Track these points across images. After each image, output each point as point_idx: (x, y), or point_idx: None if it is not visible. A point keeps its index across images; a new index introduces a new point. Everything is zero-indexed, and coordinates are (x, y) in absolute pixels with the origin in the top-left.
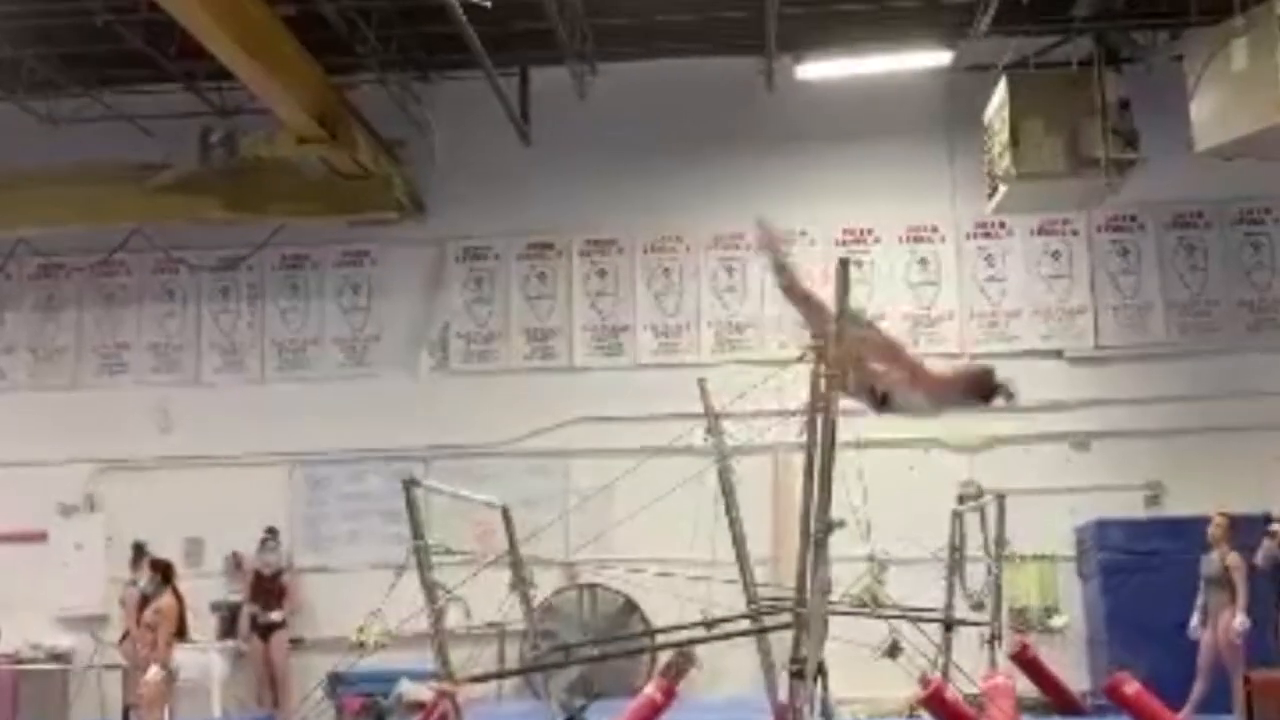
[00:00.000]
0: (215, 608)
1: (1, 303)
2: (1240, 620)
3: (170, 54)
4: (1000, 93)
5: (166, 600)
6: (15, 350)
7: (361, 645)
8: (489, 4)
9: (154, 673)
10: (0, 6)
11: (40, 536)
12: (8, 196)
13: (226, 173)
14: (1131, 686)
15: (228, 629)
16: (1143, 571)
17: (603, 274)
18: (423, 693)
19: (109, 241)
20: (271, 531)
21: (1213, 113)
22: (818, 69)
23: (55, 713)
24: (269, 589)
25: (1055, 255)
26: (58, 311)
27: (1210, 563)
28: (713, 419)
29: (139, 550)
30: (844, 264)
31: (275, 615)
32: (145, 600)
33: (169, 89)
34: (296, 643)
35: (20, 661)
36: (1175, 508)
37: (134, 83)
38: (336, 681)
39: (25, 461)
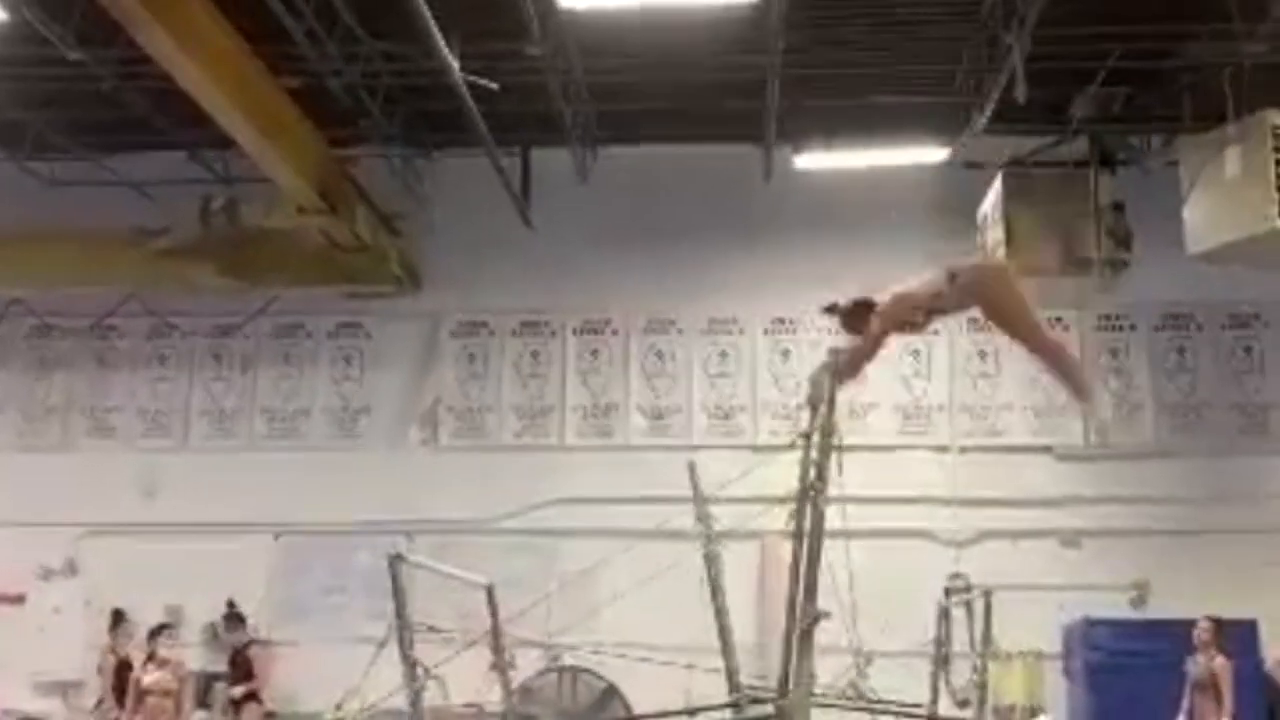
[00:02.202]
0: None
1: None
2: None
3: (175, 121)
4: (996, 189)
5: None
6: (5, 410)
7: None
8: (496, 86)
9: None
10: (7, 69)
11: (18, 599)
12: (5, 255)
13: (224, 240)
14: None
15: (202, 700)
16: (1129, 672)
17: (595, 354)
18: None
19: (104, 304)
20: (231, 605)
21: (1205, 217)
22: (815, 160)
23: None
24: (234, 662)
25: None
26: (49, 372)
27: (1197, 665)
28: (701, 503)
29: (118, 616)
30: (835, 354)
31: (236, 691)
32: (123, 665)
33: (171, 156)
34: (271, 716)
35: None
36: (1162, 608)
37: (137, 148)
38: None
39: (9, 523)
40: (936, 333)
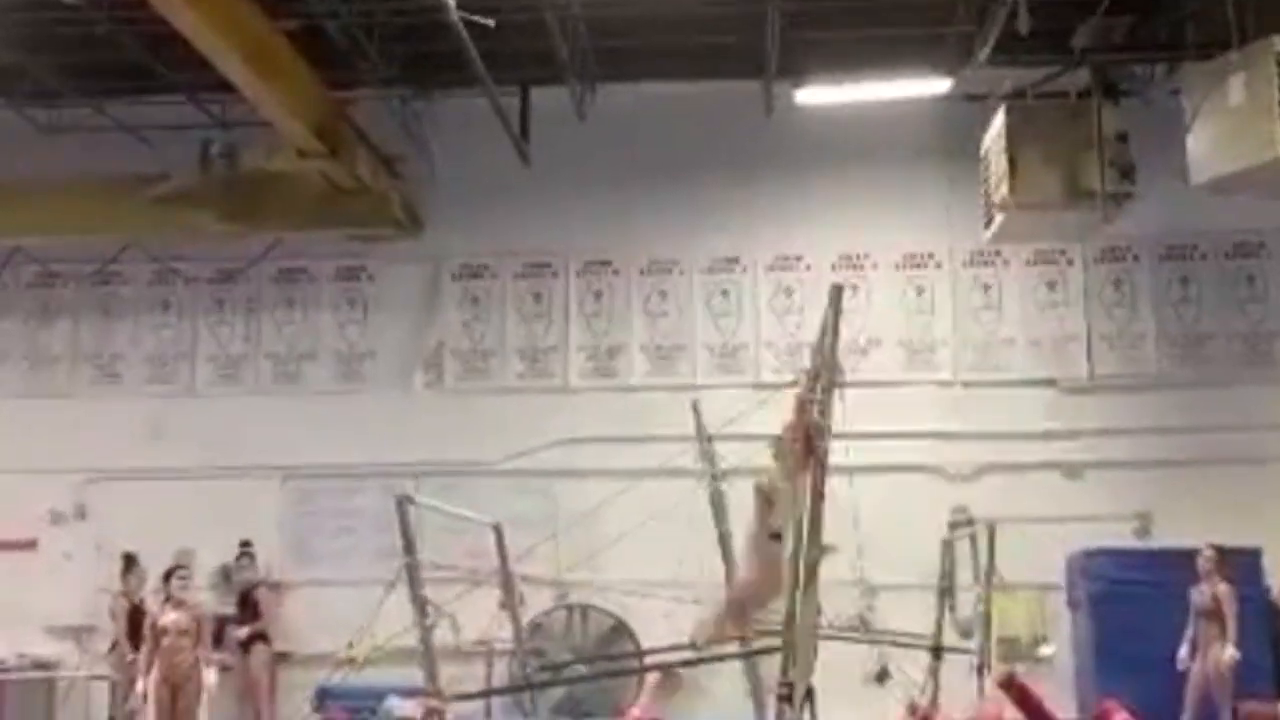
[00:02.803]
0: None
1: None
2: (1231, 653)
3: (172, 65)
4: (999, 122)
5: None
6: (10, 358)
7: (351, 661)
8: (492, 23)
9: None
10: (2, 14)
11: (29, 545)
12: (5, 204)
13: (225, 185)
14: (1120, 715)
15: (215, 641)
16: (1132, 602)
17: (598, 295)
18: (411, 710)
19: (106, 251)
20: (246, 545)
21: (1209, 147)
22: (817, 94)
23: None
24: (243, 603)
25: (1050, 285)
26: (53, 320)
27: (1201, 594)
28: (704, 441)
29: (129, 560)
30: (837, 290)
31: (242, 631)
32: (135, 609)
33: (170, 100)
34: (283, 657)
35: (4, 671)
36: (1165, 538)
37: (135, 94)
38: (324, 696)
39: (16, 469)
40: (939, 266)
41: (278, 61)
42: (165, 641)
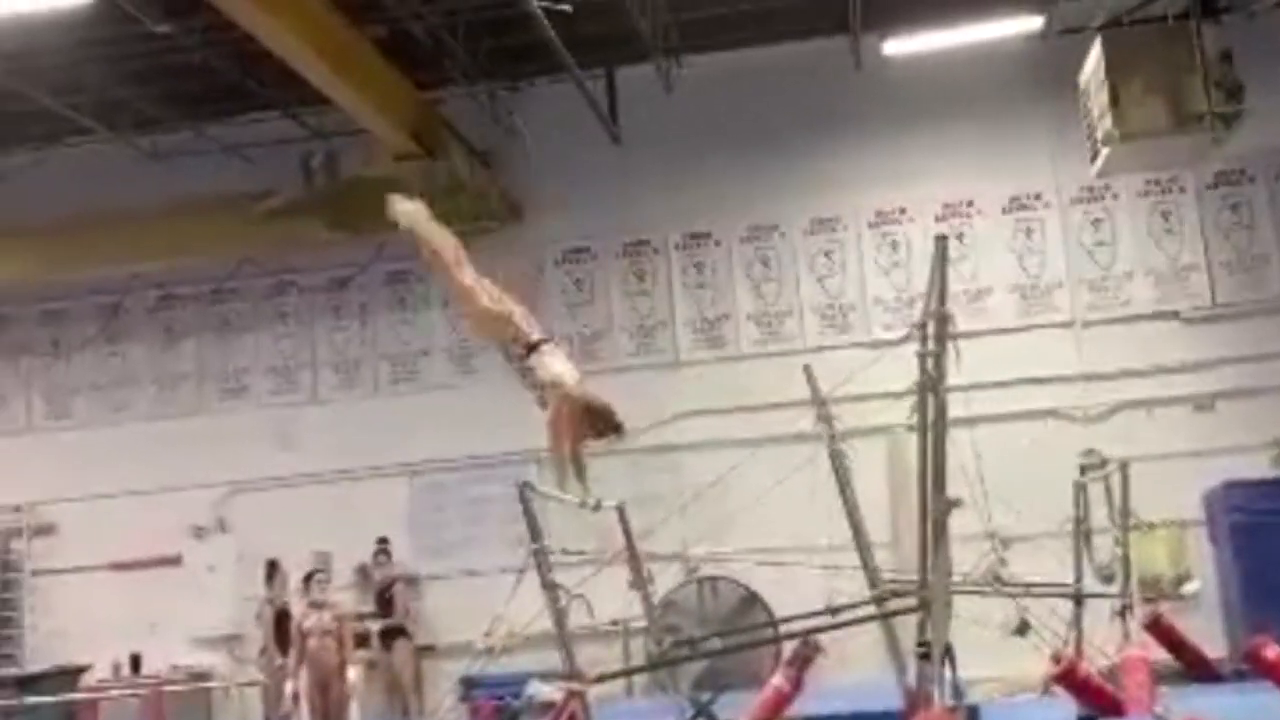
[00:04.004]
0: None
1: (123, 335)
2: None
3: (266, 83)
4: (1095, 53)
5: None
6: (139, 382)
7: (490, 650)
8: (569, 8)
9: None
10: (100, 49)
11: (175, 560)
12: (120, 233)
13: (328, 195)
14: (1272, 650)
15: (359, 640)
16: (1275, 532)
17: (700, 267)
18: (552, 693)
19: (221, 270)
20: (383, 542)
21: None
22: (905, 44)
23: None
24: (382, 599)
25: (1164, 215)
26: (176, 341)
27: None
28: (820, 404)
29: (273, 566)
30: (942, 239)
31: (375, 625)
32: (280, 614)
33: (267, 117)
34: (426, 650)
35: (163, 683)
36: None
37: (232, 114)
38: (468, 685)
39: (156, 488)
40: (1048, 206)
41: (367, 68)
42: (311, 643)
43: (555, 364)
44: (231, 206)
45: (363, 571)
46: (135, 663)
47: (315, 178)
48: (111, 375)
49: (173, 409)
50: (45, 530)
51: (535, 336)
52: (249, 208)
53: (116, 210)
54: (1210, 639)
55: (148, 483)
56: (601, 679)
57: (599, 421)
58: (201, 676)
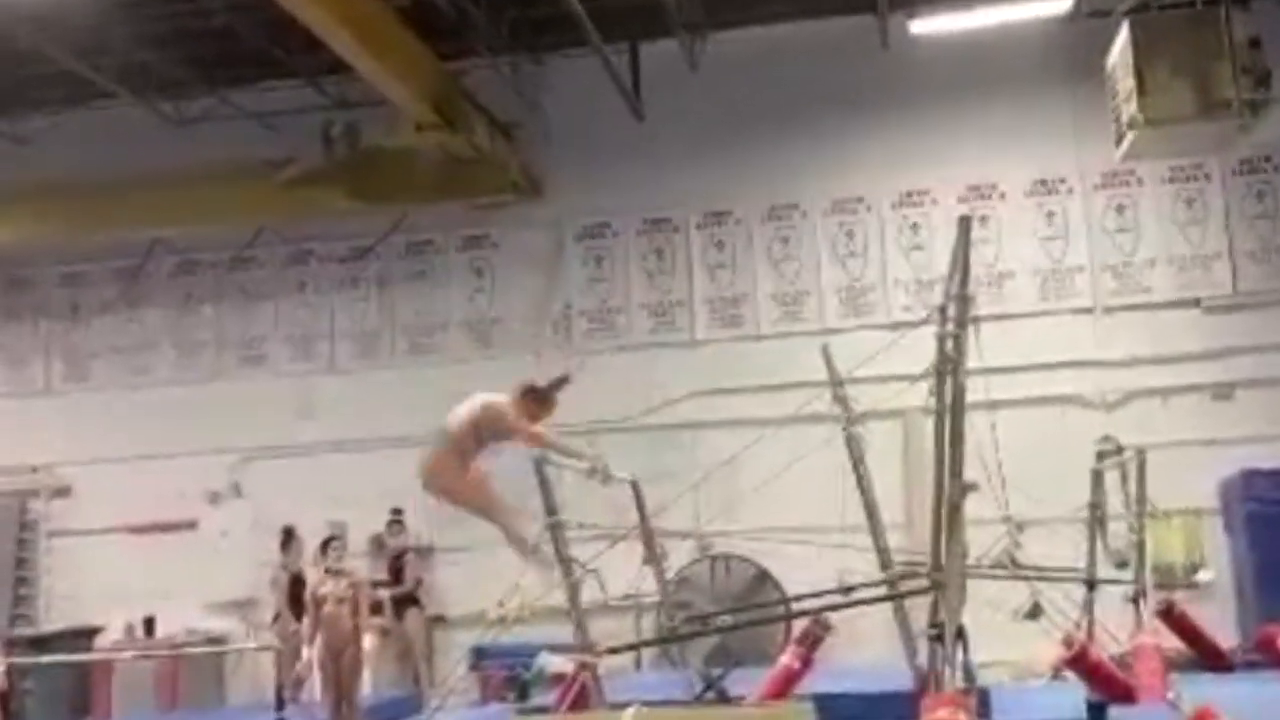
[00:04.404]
0: None
1: (142, 300)
2: None
3: (289, 50)
4: (1123, 37)
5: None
6: (158, 347)
7: (502, 620)
8: None
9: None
10: (124, 12)
11: (190, 525)
12: (142, 198)
13: (349, 165)
14: None
15: (372, 609)
16: None
17: (720, 246)
18: (564, 665)
19: (241, 237)
20: (397, 513)
21: None
22: (932, 24)
23: (213, 695)
24: (395, 569)
25: (1189, 202)
26: (196, 307)
27: None
28: (838, 385)
29: (288, 534)
30: (965, 222)
31: (384, 593)
32: (295, 581)
33: (290, 85)
34: (438, 620)
35: (177, 647)
36: None
37: (255, 81)
38: (480, 656)
39: (173, 453)
40: (1071, 191)
41: (390, 37)
42: (325, 610)
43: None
44: (252, 174)
45: (377, 541)
46: (149, 626)
47: (335, 147)
48: (130, 339)
49: (191, 375)
50: (62, 492)
51: None
52: (269, 175)
53: (137, 174)
54: (1223, 628)
55: (165, 447)
56: (613, 651)
57: (541, 397)
58: (215, 641)
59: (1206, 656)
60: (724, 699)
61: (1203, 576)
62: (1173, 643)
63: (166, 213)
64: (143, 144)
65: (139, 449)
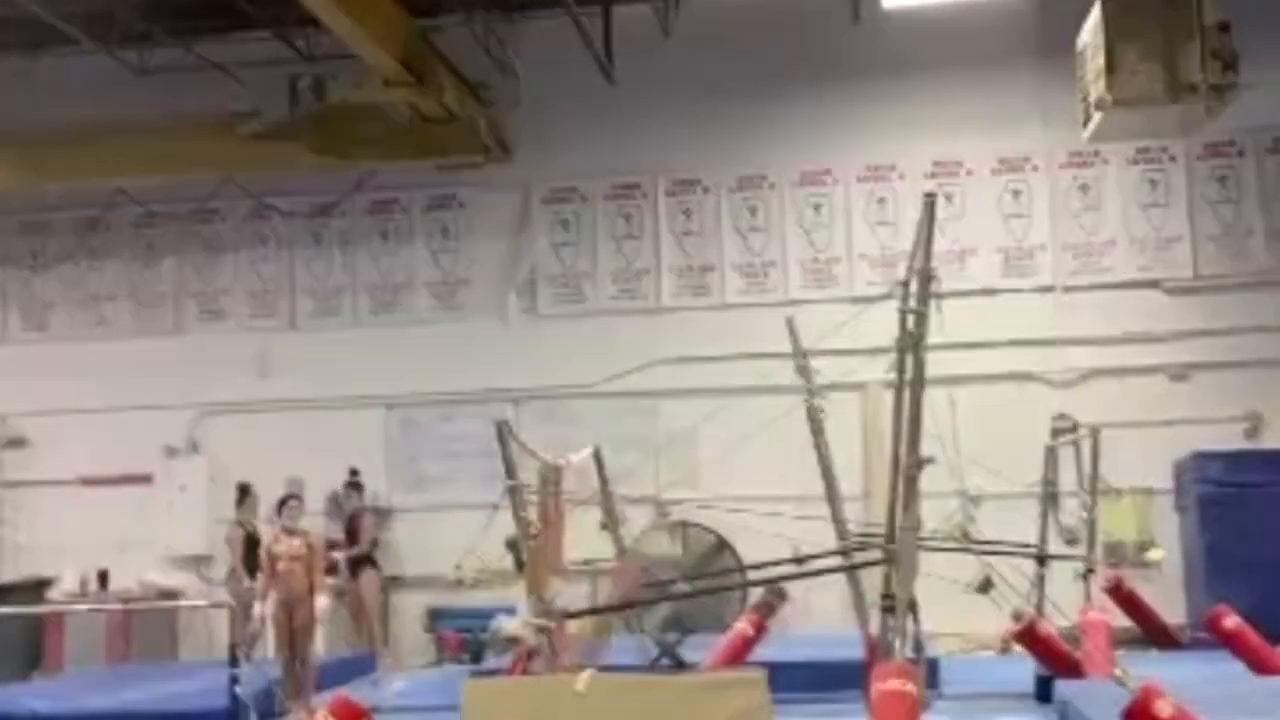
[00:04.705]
0: None
1: (102, 251)
2: None
3: (257, 2)
4: (1094, 17)
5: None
6: (117, 298)
7: (460, 583)
8: None
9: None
10: None
11: (146, 478)
12: (104, 147)
13: (315, 119)
14: (1231, 620)
15: (327, 568)
16: (1242, 504)
17: (689, 214)
18: (518, 628)
19: (203, 190)
20: (354, 473)
21: None
22: None
23: (165, 650)
24: (352, 529)
25: (1152, 184)
26: (157, 260)
27: None
28: (801, 357)
29: (244, 490)
30: (930, 198)
31: (338, 554)
32: (250, 538)
33: (257, 37)
34: (394, 580)
35: (129, 601)
36: (1275, 440)
37: (222, 32)
38: (435, 617)
39: (130, 405)
40: (1036, 169)
41: None
42: (280, 568)
43: None
44: (217, 126)
45: (334, 500)
46: (103, 578)
47: (302, 101)
48: (90, 290)
49: (150, 327)
50: (17, 443)
51: None
52: (234, 128)
53: (101, 123)
54: (1170, 607)
55: (122, 400)
56: (569, 616)
57: None
58: (169, 595)
59: (1154, 634)
60: (679, 665)
61: (1152, 556)
62: (1121, 620)
63: (128, 163)
64: (106, 93)
65: (96, 401)
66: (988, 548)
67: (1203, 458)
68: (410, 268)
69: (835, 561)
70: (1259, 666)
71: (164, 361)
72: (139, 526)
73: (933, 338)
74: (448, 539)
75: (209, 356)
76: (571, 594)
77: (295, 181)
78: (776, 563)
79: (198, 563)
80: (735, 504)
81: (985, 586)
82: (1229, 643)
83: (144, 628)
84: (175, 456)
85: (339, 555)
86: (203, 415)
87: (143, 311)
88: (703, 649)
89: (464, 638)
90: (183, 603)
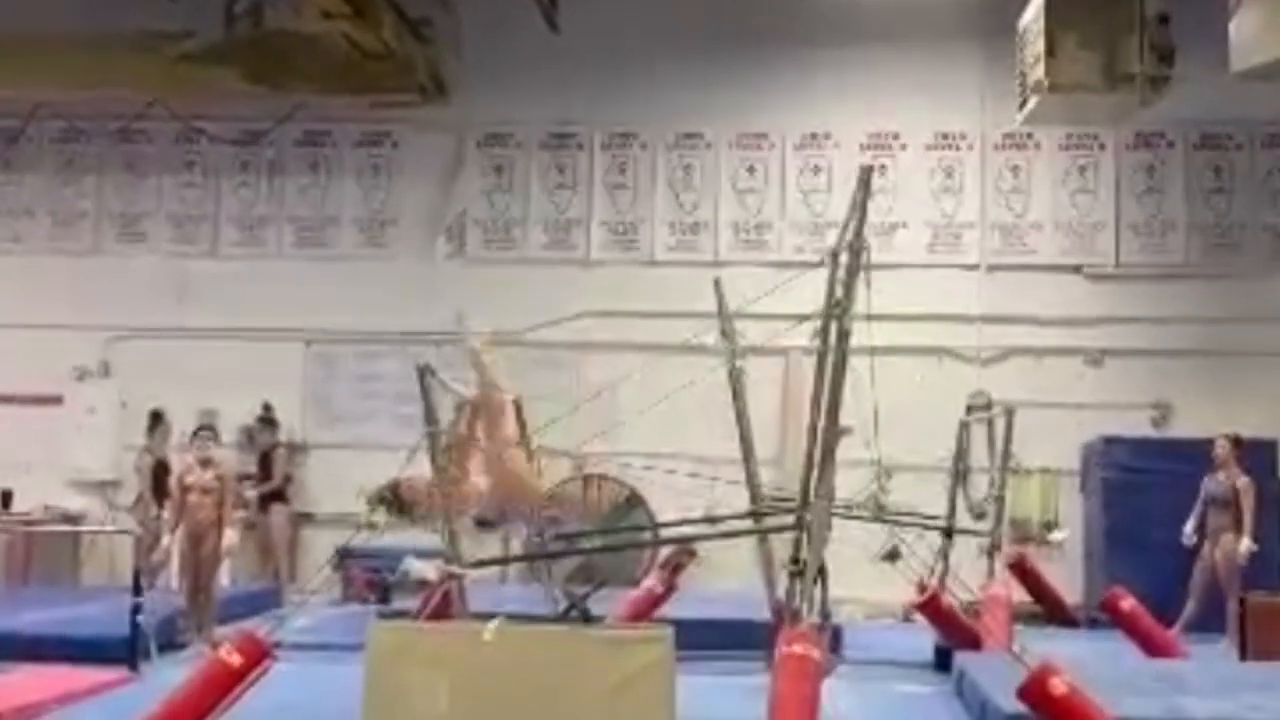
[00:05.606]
0: None
1: (21, 164)
2: (1247, 544)
3: None
4: (1037, 2)
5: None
6: (34, 213)
7: (372, 525)
8: None
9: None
10: None
11: (55, 400)
12: (28, 57)
13: (250, 45)
14: (1127, 602)
15: (236, 502)
16: (1145, 490)
17: (623, 168)
18: (429, 571)
19: (130, 109)
20: (267, 407)
21: (1252, 33)
22: None
23: (66, 574)
24: (264, 463)
25: (1081, 170)
26: (78, 177)
27: (1217, 484)
28: (726, 319)
29: (156, 418)
30: (867, 171)
31: (250, 491)
32: (159, 466)
33: None
34: (305, 518)
35: (32, 523)
36: (1183, 429)
37: None
38: (344, 556)
39: (42, 324)
40: (970, 148)
41: None
42: (190, 499)
43: None
44: (148, 44)
45: (247, 433)
46: (6, 499)
47: (238, 25)
48: (6, 204)
49: (67, 245)
50: None
51: None
52: (165, 47)
53: (25, 33)
54: (1070, 586)
55: (33, 317)
56: (480, 565)
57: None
58: (73, 519)
59: (1053, 611)
60: (586, 618)
61: (1056, 535)
62: (1022, 596)
63: (52, 75)
64: (33, 4)
65: (6, 318)
66: (897, 518)
67: (1110, 443)
68: (339, 203)
69: (747, 524)
70: (1151, 649)
71: (79, 281)
72: (46, 448)
73: (857, 307)
74: (362, 479)
75: (127, 279)
76: (484, 541)
77: (224, 106)
78: (689, 521)
79: (104, 488)
80: (652, 461)
81: (892, 555)
82: (1124, 624)
83: (45, 551)
84: (86, 379)
85: (250, 490)
86: (116, 339)
87: (59, 229)
88: (611, 603)
89: (372, 578)
90: (88, 528)
